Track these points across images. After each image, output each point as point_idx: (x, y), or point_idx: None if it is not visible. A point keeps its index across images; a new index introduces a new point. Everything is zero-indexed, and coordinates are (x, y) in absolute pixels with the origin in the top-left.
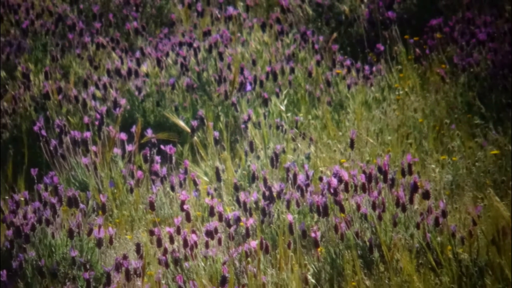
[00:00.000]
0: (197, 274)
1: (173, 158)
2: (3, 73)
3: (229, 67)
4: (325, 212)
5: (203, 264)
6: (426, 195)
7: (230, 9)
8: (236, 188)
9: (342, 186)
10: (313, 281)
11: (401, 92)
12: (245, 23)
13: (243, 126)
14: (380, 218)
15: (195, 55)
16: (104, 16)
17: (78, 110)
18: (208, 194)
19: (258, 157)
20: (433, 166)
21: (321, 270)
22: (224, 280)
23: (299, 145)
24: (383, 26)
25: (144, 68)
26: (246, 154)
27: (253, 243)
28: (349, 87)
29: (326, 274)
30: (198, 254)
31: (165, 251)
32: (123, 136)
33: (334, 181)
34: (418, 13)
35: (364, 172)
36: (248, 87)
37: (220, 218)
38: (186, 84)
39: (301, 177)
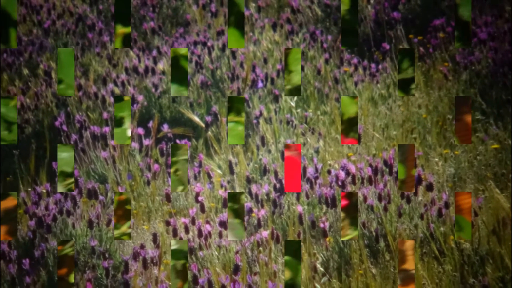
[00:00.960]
0: (211, 262)
1: (188, 152)
2: (26, 71)
3: (241, 65)
4: (333, 204)
5: (216, 253)
6: (429, 187)
7: None
8: (248, 180)
9: (349, 178)
10: (322, 269)
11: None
12: (257, 23)
13: (255, 121)
14: (385, 209)
15: (209, 53)
16: None
17: (97, 106)
18: (221, 186)
19: (269, 151)
20: (436, 159)
21: (329, 259)
22: (236, 268)
23: (308, 139)
24: (388, 26)
25: (160, 66)
26: (258, 148)
27: (265, 233)
28: (356, 84)
29: (334, 263)
30: (212, 243)
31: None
32: (141, 131)
33: (342, 174)
34: (422, 14)
35: (370, 165)
36: (260, 84)
37: None
38: (201, 81)
39: (310, 170)
